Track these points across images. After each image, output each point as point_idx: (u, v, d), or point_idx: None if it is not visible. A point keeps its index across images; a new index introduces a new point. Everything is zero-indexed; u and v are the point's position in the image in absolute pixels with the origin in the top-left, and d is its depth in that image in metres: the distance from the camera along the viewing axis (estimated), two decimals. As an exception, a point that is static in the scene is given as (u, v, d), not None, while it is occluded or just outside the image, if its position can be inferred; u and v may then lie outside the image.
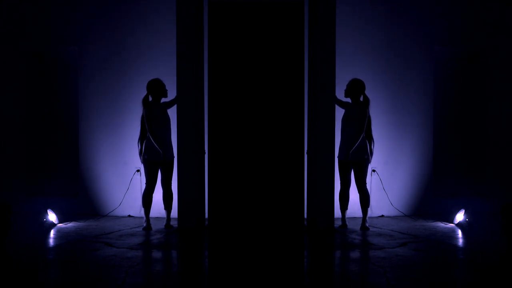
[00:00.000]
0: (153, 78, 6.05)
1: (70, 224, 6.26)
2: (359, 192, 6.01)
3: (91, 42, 7.03)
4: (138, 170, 6.61)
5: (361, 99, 6.00)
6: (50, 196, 7.09)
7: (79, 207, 6.97)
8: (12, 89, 7.25)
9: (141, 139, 5.95)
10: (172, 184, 6.10)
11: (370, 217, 6.65)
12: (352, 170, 6.03)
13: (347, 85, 6.01)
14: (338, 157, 6.03)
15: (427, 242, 5.29)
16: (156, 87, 5.97)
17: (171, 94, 6.22)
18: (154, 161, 5.92)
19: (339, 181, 6.12)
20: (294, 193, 3.39)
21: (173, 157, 6.05)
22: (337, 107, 5.98)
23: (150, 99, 6.01)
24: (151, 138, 5.86)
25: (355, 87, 5.95)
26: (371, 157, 5.99)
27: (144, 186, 6.07)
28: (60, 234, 5.70)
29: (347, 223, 6.14)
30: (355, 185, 6.07)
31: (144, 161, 5.95)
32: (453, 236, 5.63)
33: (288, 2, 3.38)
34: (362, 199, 6.00)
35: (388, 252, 4.81)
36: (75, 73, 7.16)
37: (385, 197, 6.82)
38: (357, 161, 5.93)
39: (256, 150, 3.38)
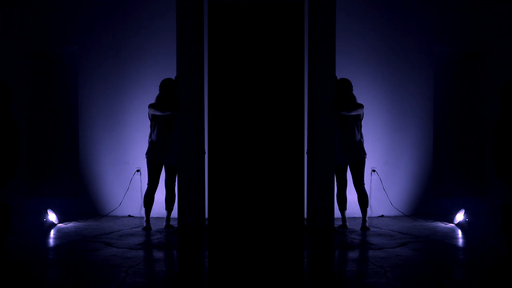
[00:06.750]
0: (166, 77, 5.99)
1: (70, 224, 6.26)
2: (357, 192, 6.01)
3: (91, 42, 7.03)
4: (138, 170, 6.61)
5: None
6: (50, 196, 7.09)
7: (79, 207, 6.97)
8: (12, 89, 7.23)
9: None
10: (175, 186, 6.09)
11: (370, 217, 6.65)
12: (349, 172, 6.01)
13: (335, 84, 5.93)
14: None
15: (427, 242, 5.29)
16: (171, 86, 5.91)
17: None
18: (159, 163, 5.92)
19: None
20: (294, 193, 3.38)
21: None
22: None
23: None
24: (159, 139, 5.85)
25: (340, 87, 5.90)
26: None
27: (144, 186, 6.07)
28: (60, 234, 5.70)
29: (347, 223, 6.14)
30: (352, 185, 6.08)
31: (147, 161, 5.94)
32: (453, 236, 5.63)
33: (288, 2, 3.38)
34: (361, 200, 6.00)
35: (388, 252, 4.81)
36: (75, 73, 7.16)
37: (385, 197, 6.82)
38: (353, 163, 5.91)
39: (256, 150, 3.38)
